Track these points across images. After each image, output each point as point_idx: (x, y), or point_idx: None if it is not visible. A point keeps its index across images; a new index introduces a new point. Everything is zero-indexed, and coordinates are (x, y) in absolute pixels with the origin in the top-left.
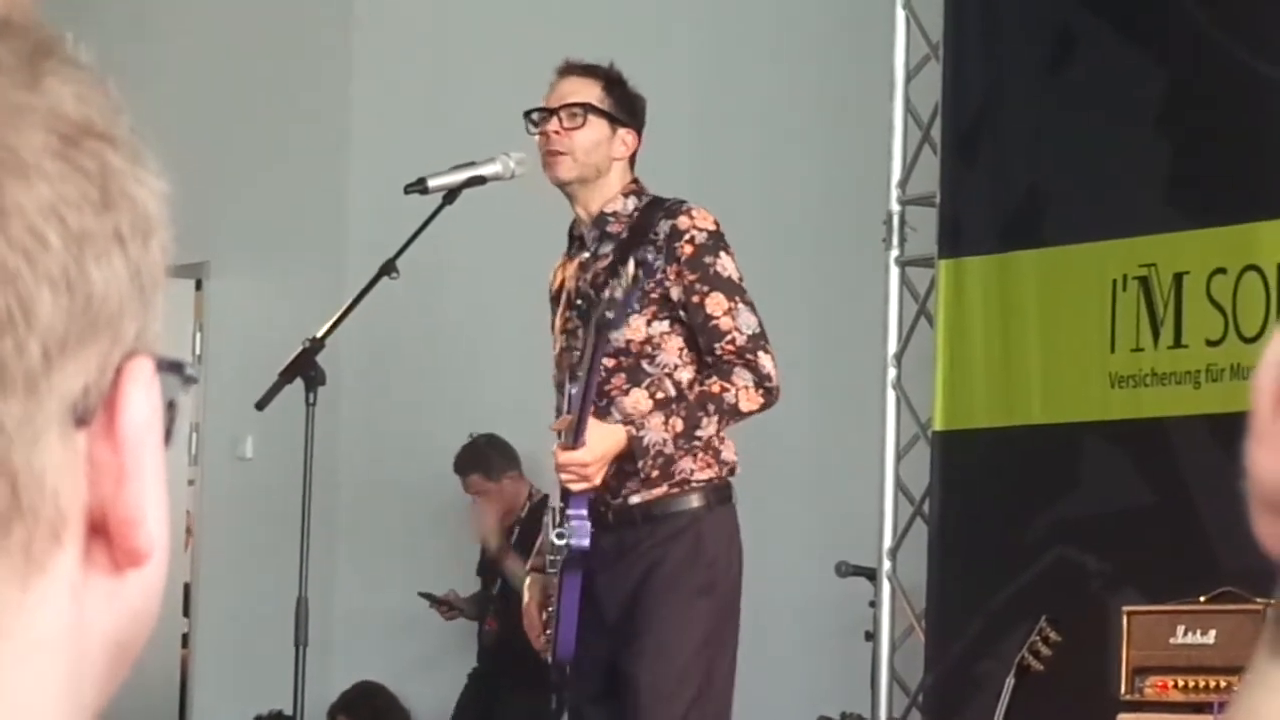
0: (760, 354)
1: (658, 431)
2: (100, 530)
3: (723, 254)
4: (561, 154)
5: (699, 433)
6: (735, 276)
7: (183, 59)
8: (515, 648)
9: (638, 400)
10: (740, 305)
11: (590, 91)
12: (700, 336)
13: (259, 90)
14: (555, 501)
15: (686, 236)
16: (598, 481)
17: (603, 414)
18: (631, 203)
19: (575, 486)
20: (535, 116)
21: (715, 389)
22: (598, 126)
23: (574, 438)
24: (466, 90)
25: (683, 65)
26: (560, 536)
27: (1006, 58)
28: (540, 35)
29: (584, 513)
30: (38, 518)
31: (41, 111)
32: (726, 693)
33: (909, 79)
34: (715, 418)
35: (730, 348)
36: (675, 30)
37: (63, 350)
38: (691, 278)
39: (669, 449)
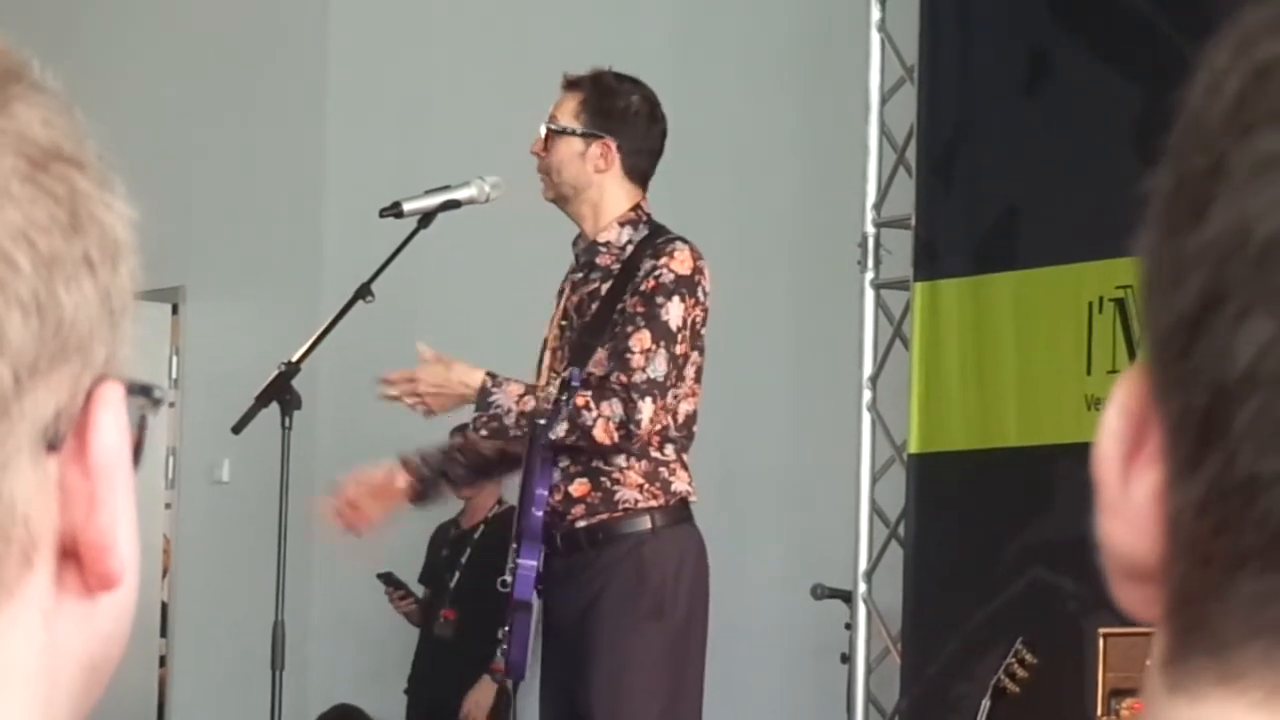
0: (645, 400)
1: (510, 398)
2: (71, 554)
3: (676, 299)
4: (541, 175)
5: (541, 425)
6: (675, 325)
7: (156, 82)
8: (475, 634)
9: None
10: (660, 351)
11: (567, 108)
12: (609, 359)
13: (234, 114)
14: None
15: (655, 274)
16: (422, 398)
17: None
18: (627, 233)
19: (391, 392)
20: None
21: (580, 402)
22: (565, 144)
23: (521, 503)
24: (442, 113)
25: (656, 87)
26: (504, 585)
27: (981, 80)
28: (514, 60)
29: (533, 563)
30: (9, 542)
31: (10, 135)
32: (693, 714)
33: (884, 101)
34: (565, 425)
35: (624, 379)
36: (648, 52)
37: (33, 374)
38: (637, 310)
39: (509, 420)
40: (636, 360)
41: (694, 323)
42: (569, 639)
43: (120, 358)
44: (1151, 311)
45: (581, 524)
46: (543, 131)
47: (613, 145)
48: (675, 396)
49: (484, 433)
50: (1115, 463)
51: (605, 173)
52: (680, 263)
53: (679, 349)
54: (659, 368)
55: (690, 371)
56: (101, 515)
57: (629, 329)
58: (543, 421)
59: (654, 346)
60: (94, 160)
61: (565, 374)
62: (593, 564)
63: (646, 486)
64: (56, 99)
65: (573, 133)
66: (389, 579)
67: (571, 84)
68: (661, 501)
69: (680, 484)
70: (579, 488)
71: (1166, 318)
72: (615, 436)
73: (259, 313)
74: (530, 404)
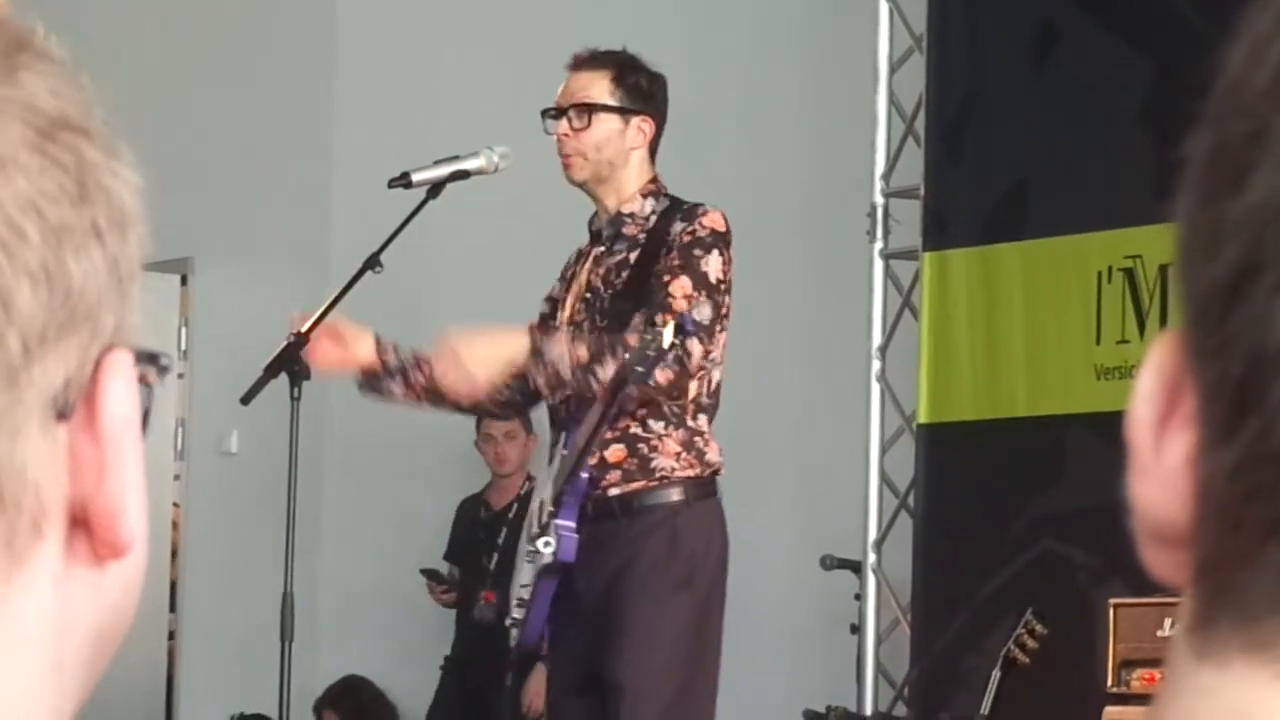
0: (693, 340)
1: (560, 345)
2: (81, 522)
3: (714, 253)
4: (570, 155)
5: (597, 370)
6: (715, 277)
7: (165, 54)
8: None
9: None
10: (704, 299)
11: (599, 85)
12: (648, 307)
13: (243, 85)
14: (545, 496)
15: (690, 230)
16: (474, 376)
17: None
18: (650, 204)
19: (445, 375)
20: (549, 116)
21: (633, 340)
22: (606, 121)
23: (569, 470)
24: (450, 84)
25: (665, 57)
26: (546, 545)
27: (990, 50)
28: (524, 29)
29: (573, 524)
30: (19, 510)
31: (18, 104)
32: (711, 685)
33: (893, 71)
34: (613, 368)
35: (667, 317)
36: (658, 22)
37: (42, 343)
38: (675, 262)
39: (564, 371)
40: (679, 304)
41: (730, 281)
42: (594, 606)
43: (128, 326)
44: (1187, 276)
45: (615, 491)
46: (564, 112)
47: (651, 122)
48: (713, 359)
49: (541, 381)
50: (1148, 425)
51: (637, 150)
52: (714, 221)
53: (722, 299)
54: (705, 312)
55: (721, 339)
56: (111, 483)
57: (666, 278)
58: (640, 369)
59: (696, 294)
60: (101, 128)
61: (677, 319)
62: (624, 532)
63: (683, 455)
64: (63, 67)
65: (614, 109)
66: (432, 574)
67: (590, 62)
68: (696, 471)
69: (713, 454)
70: (615, 453)
71: (1203, 284)
72: (670, 375)
73: (268, 283)
74: (582, 353)
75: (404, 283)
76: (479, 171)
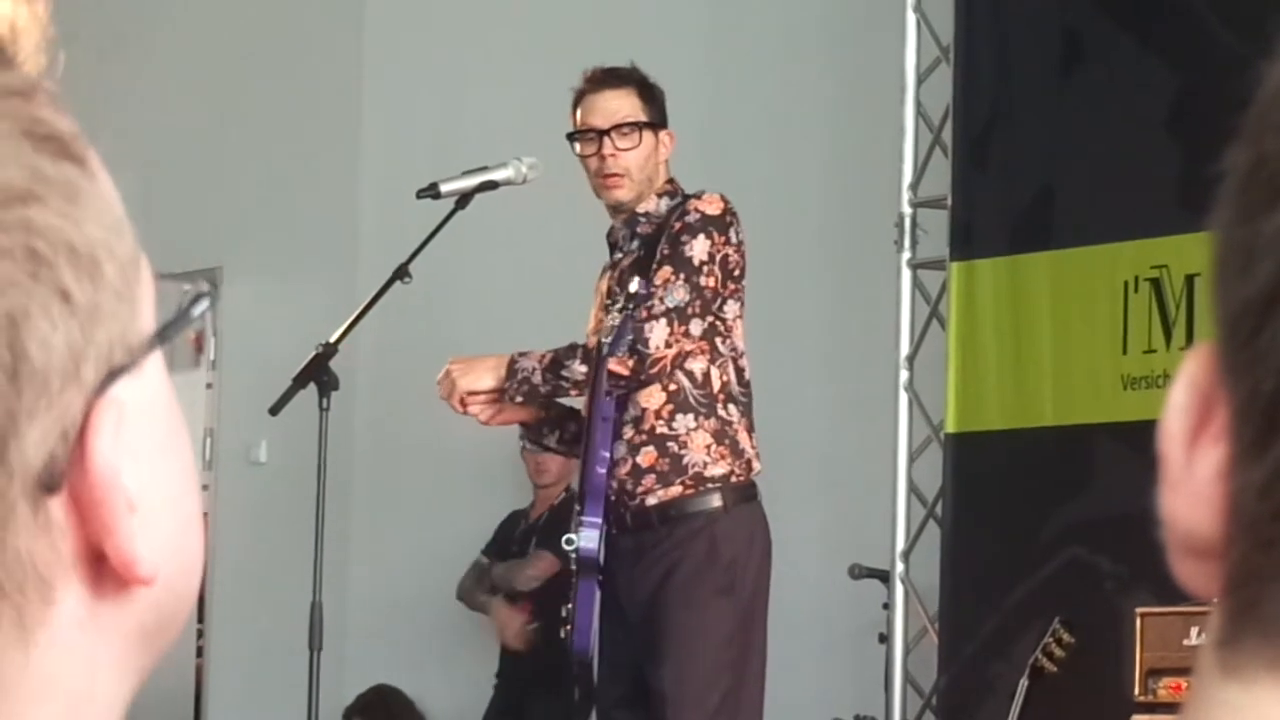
0: (655, 322)
1: (533, 359)
2: (103, 557)
3: (701, 236)
4: (619, 175)
5: (565, 372)
6: (698, 260)
7: (193, 65)
8: (552, 644)
9: (651, 392)
10: (679, 281)
11: (633, 104)
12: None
13: (271, 96)
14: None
15: (683, 216)
16: (455, 383)
17: (619, 408)
18: (665, 203)
19: (444, 393)
20: (585, 138)
21: (590, 344)
22: (647, 138)
23: (583, 464)
24: (478, 95)
25: (693, 68)
26: (569, 542)
27: (1018, 60)
28: (551, 42)
29: (597, 519)
30: (23, 592)
31: None
32: (757, 691)
33: (920, 81)
34: (583, 367)
35: (645, 312)
36: (685, 33)
37: (14, 434)
38: (665, 251)
39: (535, 378)
40: (657, 293)
41: (725, 260)
42: (638, 616)
43: (134, 332)
44: (1222, 290)
45: (652, 501)
46: (604, 133)
47: (671, 135)
48: (734, 349)
49: (519, 399)
50: (1180, 438)
51: (664, 163)
52: (709, 204)
53: (704, 280)
54: (676, 296)
55: (739, 328)
56: (117, 539)
57: (655, 269)
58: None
59: (673, 277)
60: (55, 175)
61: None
62: (663, 541)
63: (714, 447)
64: (10, 102)
65: (650, 125)
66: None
67: (613, 80)
68: (730, 466)
69: (746, 444)
70: (646, 457)
71: (1237, 299)
72: (629, 365)
73: (296, 294)
74: (549, 357)
75: (432, 293)
76: (507, 182)
